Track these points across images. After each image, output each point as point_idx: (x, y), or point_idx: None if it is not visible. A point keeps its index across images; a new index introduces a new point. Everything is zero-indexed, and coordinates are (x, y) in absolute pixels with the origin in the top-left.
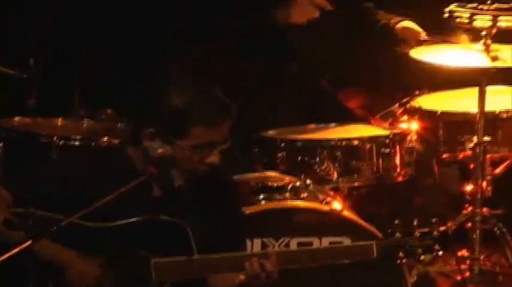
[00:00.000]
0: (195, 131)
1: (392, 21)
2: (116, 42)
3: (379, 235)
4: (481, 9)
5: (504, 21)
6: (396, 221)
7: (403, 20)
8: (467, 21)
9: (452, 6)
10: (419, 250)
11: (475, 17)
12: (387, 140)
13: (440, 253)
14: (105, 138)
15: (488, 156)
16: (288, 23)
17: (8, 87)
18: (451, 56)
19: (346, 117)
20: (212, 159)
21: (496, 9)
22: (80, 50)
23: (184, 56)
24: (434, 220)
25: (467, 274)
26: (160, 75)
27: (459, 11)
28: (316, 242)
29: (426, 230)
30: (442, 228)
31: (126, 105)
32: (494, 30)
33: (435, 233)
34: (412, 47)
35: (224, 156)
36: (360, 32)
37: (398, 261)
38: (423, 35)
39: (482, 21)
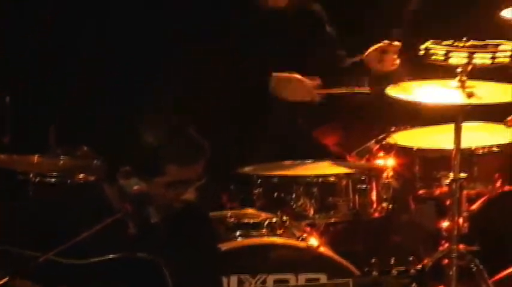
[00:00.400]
0: (169, 169)
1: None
2: (91, 81)
3: (356, 272)
4: (457, 46)
5: (479, 59)
6: (373, 260)
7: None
8: (442, 58)
9: (427, 43)
10: None
11: (450, 54)
12: (363, 177)
13: None
14: (81, 176)
15: (464, 192)
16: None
17: None
18: (427, 92)
19: (323, 154)
20: (188, 196)
21: (471, 46)
22: (55, 88)
23: (158, 95)
24: (411, 258)
25: None
26: (136, 114)
27: (435, 48)
28: (292, 279)
29: (403, 268)
30: (418, 266)
31: (102, 142)
32: (469, 67)
33: (412, 271)
34: (387, 67)
35: (200, 193)
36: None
37: None
38: (385, 43)
39: (458, 58)
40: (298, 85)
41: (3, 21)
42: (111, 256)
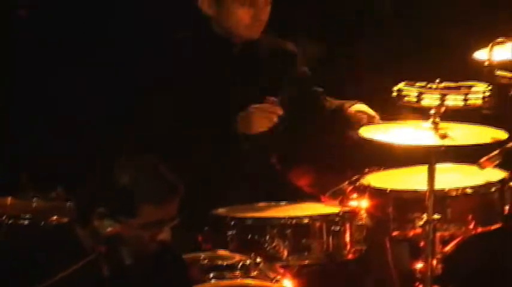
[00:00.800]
0: (143, 210)
1: (346, 105)
2: (64, 123)
3: None
4: (430, 87)
5: (452, 100)
6: None
7: (356, 103)
8: (415, 100)
9: (400, 85)
10: None
11: (422, 95)
12: (337, 218)
13: None
14: (54, 217)
15: (438, 234)
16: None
17: None
18: (400, 134)
19: (297, 196)
20: (162, 236)
21: (444, 88)
22: (26, 130)
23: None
24: None
25: None
26: (109, 155)
27: (407, 90)
28: None
29: None
30: None
31: (76, 184)
32: (443, 109)
33: None
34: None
35: (174, 234)
36: (309, 115)
37: None
38: (377, 119)
39: (431, 99)
40: (258, 116)
41: None
42: None
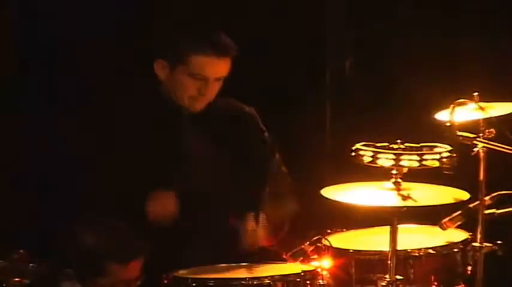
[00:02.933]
0: (110, 269)
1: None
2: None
3: None
4: (388, 148)
5: (407, 161)
6: None
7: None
8: (370, 159)
9: (357, 145)
10: None
11: (378, 155)
12: (298, 279)
13: None
14: (17, 279)
15: None
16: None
17: None
18: (362, 195)
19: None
20: None
21: (404, 149)
22: None
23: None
24: None
25: None
26: (74, 217)
27: (364, 150)
28: None
29: None
30: None
31: (40, 246)
32: (404, 170)
33: None
34: None
35: None
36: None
37: None
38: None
39: (386, 160)
40: (160, 203)
41: None
42: None
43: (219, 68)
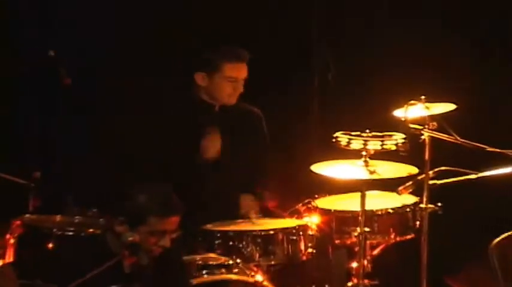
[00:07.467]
0: (151, 221)
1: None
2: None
3: None
4: (359, 135)
5: (372, 145)
6: None
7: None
8: (346, 144)
9: (337, 133)
10: None
11: (351, 141)
12: (294, 231)
13: None
14: (91, 230)
15: (368, 242)
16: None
17: (12, 193)
18: (341, 170)
19: (265, 214)
20: (163, 243)
21: (370, 136)
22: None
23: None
24: None
25: None
26: (127, 181)
27: (341, 137)
28: None
29: None
30: None
31: (106, 206)
32: (371, 151)
33: None
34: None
35: (177, 242)
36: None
37: None
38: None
39: (357, 144)
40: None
41: None
42: None
43: (243, 70)
